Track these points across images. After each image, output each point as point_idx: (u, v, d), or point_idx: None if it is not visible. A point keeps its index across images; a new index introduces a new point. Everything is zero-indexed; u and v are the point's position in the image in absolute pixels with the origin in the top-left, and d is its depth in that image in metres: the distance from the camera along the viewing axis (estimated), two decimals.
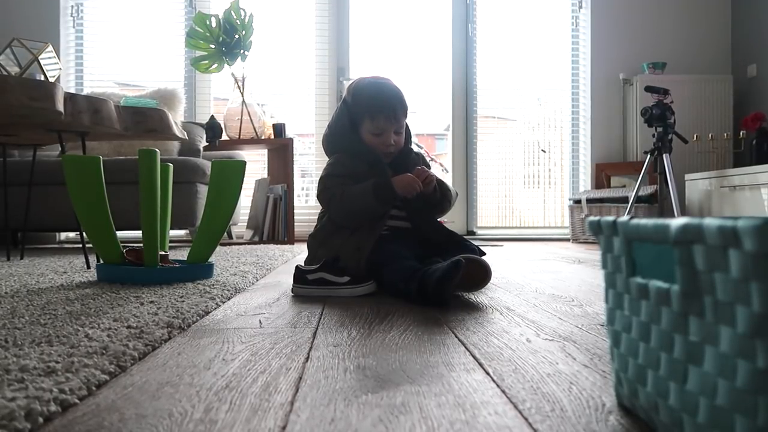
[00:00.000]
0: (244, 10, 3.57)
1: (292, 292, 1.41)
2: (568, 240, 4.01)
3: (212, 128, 3.64)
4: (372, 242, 1.43)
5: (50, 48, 2.15)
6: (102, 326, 0.92)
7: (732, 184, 3.30)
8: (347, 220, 1.50)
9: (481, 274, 1.30)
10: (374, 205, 1.44)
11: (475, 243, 1.54)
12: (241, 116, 3.66)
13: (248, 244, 3.57)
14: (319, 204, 1.59)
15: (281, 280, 1.70)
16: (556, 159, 4.55)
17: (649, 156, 3.32)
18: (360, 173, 1.50)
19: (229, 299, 1.33)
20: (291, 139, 3.73)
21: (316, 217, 1.63)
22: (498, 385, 0.65)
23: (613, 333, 0.57)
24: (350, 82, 1.67)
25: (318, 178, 1.58)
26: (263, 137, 3.72)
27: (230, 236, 3.91)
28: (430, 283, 1.18)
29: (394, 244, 1.43)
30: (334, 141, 1.59)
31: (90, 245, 1.80)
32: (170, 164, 1.77)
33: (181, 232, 4.06)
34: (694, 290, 0.43)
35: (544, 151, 4.53)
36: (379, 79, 1.57)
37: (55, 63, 2.17)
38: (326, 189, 1.52)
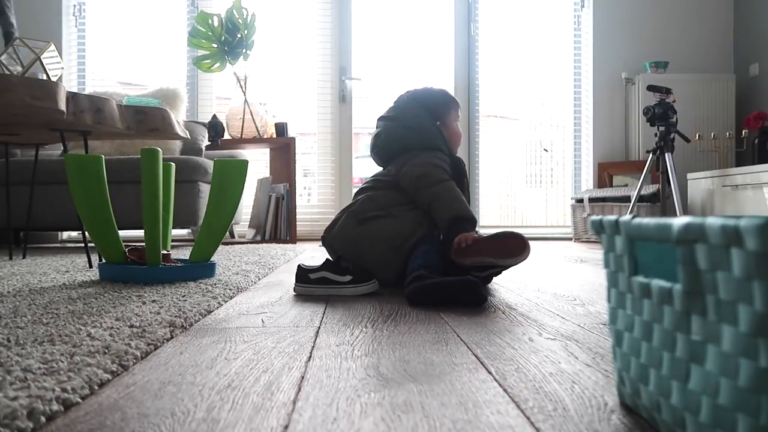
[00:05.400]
0: (246, 9, 3.57)
1: (295, 291, 1.41)
2: (570, 239, 4.00)
3: (214, 127, 3.64)
4: (429, 220, 1.51)
5: (52, 47, 2.15)
6: (104, 325, 0.93)
7: (734, 183, 3.29)
8: (426, 200, 1.52)
9: (519, 246, 1.33)
10: (442, 219, 1.46)
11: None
12: (243, 115, 3.67)
13: (250, 243, 3.58)
14: (355, 194, 1.66)
15: (283, 279, 1.70)
16: (558, 158, 4.55)
17: (651, 155, 3.31)
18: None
19: (231, 298, 1.33)
20: (293, 139, 3.73)
21: (332, 218, 1.65)
22: (500, 385, 0.65)
23: (615, 332, 0.57)
24: (402, 94, 1.75)
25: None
26: (265, 136, 3.72)
27: (232, 235, 3.92)
28: (411, 288, 1.24)
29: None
30: (425, 138, 1.61)
31: (92, 244, 1.81)
32: (172, 163, 1.78)
33: (184, 232, 4.07)
34: (697, 289, 0.43)
35: (546, 150, 4.53)
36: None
37: (58, 62, 2.17)
38: (439, 170, 1.54)
